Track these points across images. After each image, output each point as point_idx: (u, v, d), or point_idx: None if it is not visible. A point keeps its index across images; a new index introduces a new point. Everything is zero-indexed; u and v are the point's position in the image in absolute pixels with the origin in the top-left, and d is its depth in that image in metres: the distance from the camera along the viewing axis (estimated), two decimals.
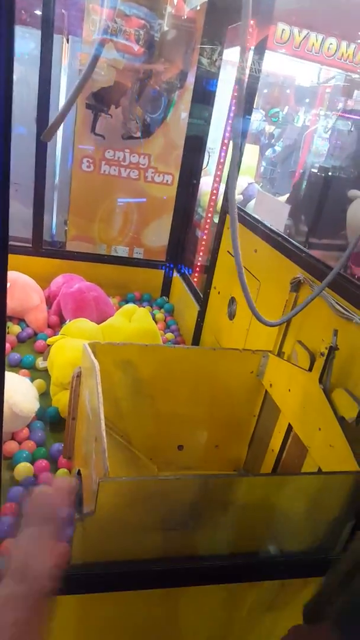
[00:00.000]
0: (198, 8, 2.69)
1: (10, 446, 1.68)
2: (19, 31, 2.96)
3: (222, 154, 3.20)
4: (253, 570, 1.04)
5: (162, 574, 1.04)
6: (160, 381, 1.54)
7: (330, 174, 3.03)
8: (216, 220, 3.36)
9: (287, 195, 4.14)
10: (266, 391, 1.56)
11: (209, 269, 2.36)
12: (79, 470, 1.37)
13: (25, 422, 1.76)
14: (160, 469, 1.59)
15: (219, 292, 2.21)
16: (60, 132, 3.26)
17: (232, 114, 3.19)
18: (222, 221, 2.22)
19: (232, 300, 2.03)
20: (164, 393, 1.55)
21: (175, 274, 3.01)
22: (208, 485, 1.05)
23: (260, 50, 2.23)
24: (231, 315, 2.02)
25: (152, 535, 1.04)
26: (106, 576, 1.01)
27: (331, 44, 4.00)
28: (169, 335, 2.66)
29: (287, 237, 1.71)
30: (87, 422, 1.35)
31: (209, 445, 1.61)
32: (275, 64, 4.74)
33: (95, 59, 0.89)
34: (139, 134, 2.84)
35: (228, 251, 2.11)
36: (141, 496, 0.99)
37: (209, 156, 3.36)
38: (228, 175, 1.08)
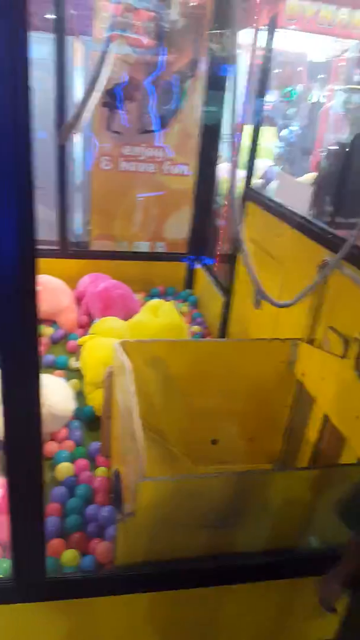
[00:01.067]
0: None
1: (50, 447, 1.71)
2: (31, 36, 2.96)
3: (239, 139, 3.13)
4: (299, 566, 1.03)
5: (206, 573, 1.04)
6: (191, 376, 1.54)
7: (350, 150, 2.92)
8: None
9: (307, 175, 4.03)
10: (299, 381, 1.54)
11: (232, 258, 2.33)
12: (117, 469, 1.39)
13: (63, 422, 1.79)
14: (195, 463, 1.60)
15: (243, 281, 2.18)
16: (79, 133, 3.27)
17: (246, 98, 3.12)
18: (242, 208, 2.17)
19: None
20: (195, 388, 1.55)
21: (198, 265, 2.99)
22: (246, 482, 1.04)
23: (271, 28, 2.17)
24: (257, 304, 1.99)
25: (193, 533, 1.05)
26: (149, 576, 1.02)
27: (344, 14, 3.83)
28: (196, 328, 2.65)
29: (311, 219, 1.66)
30: (122, 421, 1.36)
31: (243, 438, 1.60)
32: (286, 41, 4.59)
33: (103, 57, 0.89)
34: (153, 127, 2.82)
35: (251, 238, 2.07)
36: (180, 495, 1.00)
37: (225, 142, 3.29)
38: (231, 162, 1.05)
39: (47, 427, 1.72)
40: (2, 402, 0.85)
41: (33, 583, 0.98)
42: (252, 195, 2.10)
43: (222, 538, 1.07)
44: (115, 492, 1.45)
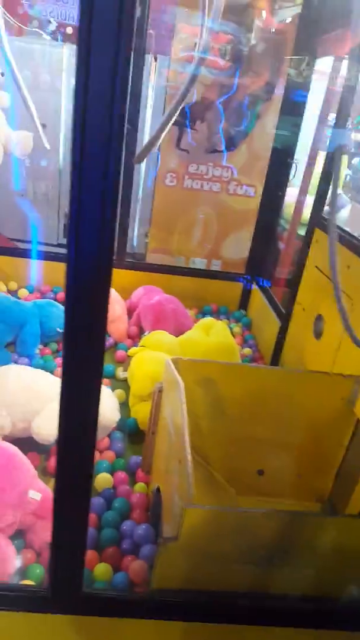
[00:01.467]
0: (289, 20, 2.65)
1: None
2: None
3: (309, 165, 3.10)
4: (352, 617, 0.95)
5: (246, 610, 0.99)
6: (242, 402, 1.49)
7: None
8: (301, 232, 3.25)
9: None
10: (358, 420, 1.45)
11: (292, 284, 2.27)
12: (158, 487, 1.36)
13: (106, 431, 1.79)
14: (239, 493, 1.54)
15: (303, 309, 2.12)
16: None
17: (322, 125, 3.09)
18: (309, 234, 2.12)
19: (319, 318, 1.93)
20: (245, 414, 1.50)
21: (254, 287, 2.94)
22: (295, 523, 0.99)
23: (354, 57, 2.13)
24: (317, 334, 1.92)
25: (235, 567, 1.00)
26: (188, 605, 0.98)
27: None
28: (247, 351, 2.59)
29: None
30: (168, 439, 1.34)
31: (291, 472, 1.53)
32: None
33: (191, 81, 0.90)
34: (222, 147, 2.84)
35: (316, 266, 2.02)
36: (226, 526, 0.95)
37: (296, 167, 3.26)
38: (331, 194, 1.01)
39: None
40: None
41: (68, 595, 0.96)
42: (320, 222, 2.05)
43: (266, 576, 1.01)
44: (153, 511, 1.42)
